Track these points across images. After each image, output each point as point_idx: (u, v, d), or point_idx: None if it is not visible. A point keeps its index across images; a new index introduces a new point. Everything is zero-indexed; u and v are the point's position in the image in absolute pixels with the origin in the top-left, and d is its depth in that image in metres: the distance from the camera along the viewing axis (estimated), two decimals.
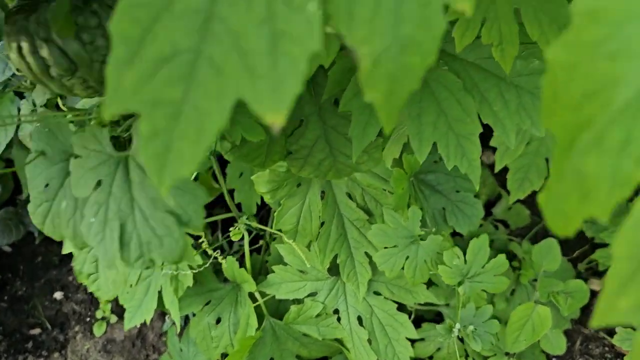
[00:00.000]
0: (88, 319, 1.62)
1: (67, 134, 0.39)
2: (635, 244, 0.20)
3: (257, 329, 0.98)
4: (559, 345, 1.27)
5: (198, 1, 0.23)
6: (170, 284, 1.01)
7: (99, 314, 1.58)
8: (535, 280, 1.18)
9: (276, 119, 0.24)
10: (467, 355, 1.25)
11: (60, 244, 1.81)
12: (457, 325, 0.87)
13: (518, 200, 1.59)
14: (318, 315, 0.96)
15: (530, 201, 1.56)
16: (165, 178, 0.25)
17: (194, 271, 0.97)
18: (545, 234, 1.41)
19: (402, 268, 0.82)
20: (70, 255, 1.79)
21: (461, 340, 1.14)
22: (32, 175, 0.41)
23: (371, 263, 0.91)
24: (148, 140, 0.24)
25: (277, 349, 1.01)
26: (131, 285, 1.13)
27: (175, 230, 0.36)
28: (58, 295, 1.70)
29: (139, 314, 1.13)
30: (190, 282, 0.99)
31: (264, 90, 0.24)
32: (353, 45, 0.25)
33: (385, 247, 0.81)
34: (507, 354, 1.18)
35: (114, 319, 1.57)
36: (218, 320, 1.10)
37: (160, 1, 0.23)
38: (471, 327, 0.86)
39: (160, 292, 1.07)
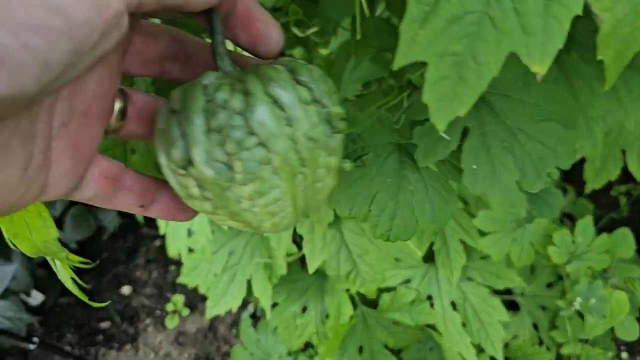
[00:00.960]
0: (158, 312, 1.67)
1: None
2: None
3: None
4: (633, 331, 1.28)
5: None
6: (265, 272, 1.04)
7: (169, 307, 1.62)
8: (606, 270, 1.20)
9: (541, 70, 0.28)
10: (541, 342, 1.27)
11: (126, 239, 1.87)
12: (578, 299, 0.91)
13: (582, 195, 1.61)
14: (411, 302, 0.98)
15: (594, 196, 1.57)
16: (444, 117, 0.29)
17: (288, 260, 1.00)
18: (610, 227, 1.42)
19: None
20: (136, 252, 1.85)
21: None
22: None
23: (465, 249, 0.93)
24: (433, 85, 0.29)
25: (366, 337, 1.04)
26: (215, 275, 1.16)
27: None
28: (126, 289, 1.75)
29: (222, 303, 1.17)
30: (284, 270, 1.02)
31: (535, 45, 0.28)
32: (598, 11, 0.29)
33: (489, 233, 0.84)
34: (580, 340, 1.19)
35: (185, 312, 1.61)
36: (303, 310, 1.13)
37: None
38: (593, 300, 0.90)
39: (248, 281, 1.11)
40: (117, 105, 0.31)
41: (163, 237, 1.86)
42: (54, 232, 0.38)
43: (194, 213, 0.35)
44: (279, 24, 0.31)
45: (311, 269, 0.71)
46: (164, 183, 0.34)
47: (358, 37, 0.65)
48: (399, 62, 0.28)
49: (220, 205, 0.29)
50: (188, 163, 0.28)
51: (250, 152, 0.27)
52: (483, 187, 0.41)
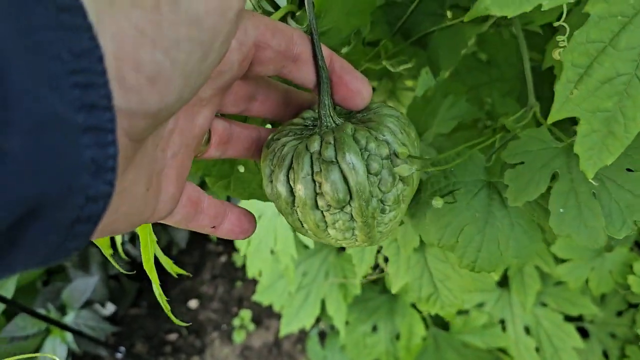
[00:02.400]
0: (224, 327, 1.73)
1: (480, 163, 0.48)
2: None
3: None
4: None
5: (636, 40, 0.31)
6: (339, 292, 1.09)
7: (236, 322, 1.68)
8: None
9: None
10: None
11: (193, 255, 1.95)
12: None
13: None
14: (484, 325, 1.00)
15: None
16: (594, 165, 0.34)
17: (363, 281, 1.04)
18: None
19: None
20: (202, 267, 1.92)
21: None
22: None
23: (539, 275, 0.95)
24: (584, 137, 0.33)
25: (437, 358, 1.07)
26: (289, 293, 1.21)
27: None
28: (193, 303, 1.82)
29: (296, 321, 1.22)
30: (358, 290, 1.06)
31: None
32: None
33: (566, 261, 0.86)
34: None
35: (251, 327, 1.67)
36: (373, 329, 1.16)
37: (607, 39, 0.31)
38: None
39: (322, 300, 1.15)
40: (206, 134, 0.34)
41: (229, 254, 1.93)
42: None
43: (251, 232, 0.38)
44: (368, 81, 0.35)
45: (394, 289, 0.75)
46: (229, 205, 0.37)
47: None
48: (553, 117, 0.32)
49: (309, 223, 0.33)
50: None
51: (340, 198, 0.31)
52: (569, 230, 0.43)
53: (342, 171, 0.31)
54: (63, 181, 0.17)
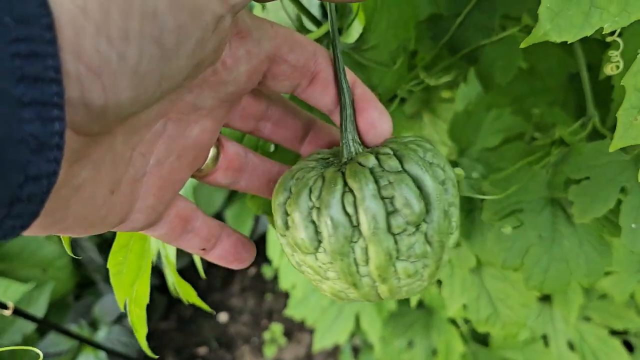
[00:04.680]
0: (255, 340, 1.72)
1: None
2: None
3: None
4: None
5: None
6: (374, 306, 1.07)
7: (267, 336, 1.67)
8: None
9: None
10: None
11: (221, 267, 1.94)
12: None
13: None
14: (525, 341, 0.97)
15: None
16: None
17: None
18: None
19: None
20: (231, 279, 1.92)
21: None
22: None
23: (582, 288, 0.92)
24: None
25: None
26: (322, 308, 1.20)
27: None
28: (223, 316, 1.82)
29: (329, 335, 1.20)
30: (393, 305, 1.04)
31: None
32: None
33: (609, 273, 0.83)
34: None
35: (282, 340, 1.65)
36: (409, 344, 1.14)
37: None
38: None
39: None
40: (212, 152, 0.31)
41: (258, 266, 1.92)
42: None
43: (248, 262, 0.35)
44: (389, 115, 0.31)
45: (450, 312, 0.73)
46: (226, 229, 0.34)
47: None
48: (616, 144, 0.30)
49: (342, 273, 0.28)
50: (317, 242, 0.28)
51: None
52: None
53: (414, 179, 0.26)
54: None
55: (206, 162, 0.31)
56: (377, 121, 0.31)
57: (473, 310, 0.68)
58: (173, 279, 0.44)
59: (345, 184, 0.27)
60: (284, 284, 1.07)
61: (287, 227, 0.29)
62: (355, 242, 0.27)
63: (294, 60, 0.28)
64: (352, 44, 0.37)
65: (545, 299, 0.96)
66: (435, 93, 0.82)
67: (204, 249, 0.32)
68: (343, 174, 0.28)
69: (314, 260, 0.28)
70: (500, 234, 0.49)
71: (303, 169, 0.30)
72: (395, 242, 0.27)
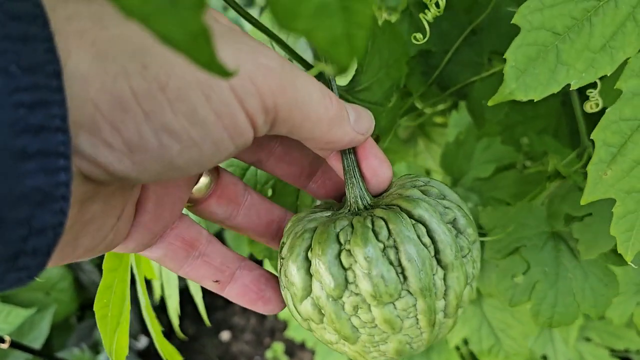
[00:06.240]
0: (257, 358, 1.72)
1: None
2: None
3: None
4: None
5: None
6: None
7: (269, 354, 1.67)
8: None
9: None
10: None
11: None
12: None
13: None
14: None
15: None
16: (632, 248, 0.32)
17: None
18: None
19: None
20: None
21: None
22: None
23: None
24: (620, 219, 0.31)
25: None
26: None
27: None
28: (225, 335, 1.81)
29: (330, 357, 1.20)
30: None
31: None
32: None
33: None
34: None
35: (284, 359, 1.65)
36: None
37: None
38: None
39: None
40: (206, 178, 0.31)
41: None
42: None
43: (279, 308, 0.32)
44: (389, 163, 0.31)
45: (451, 343, 0.73)
46: (247, 262, 0.32)
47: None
48: (586, 199, 0.31)
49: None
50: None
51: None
52: None
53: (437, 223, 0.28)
54: None
55: (198, 185, 0.30)
56: (378, 169, 0.31)
57: (475, 341, 0.68)
58: (155, 340, 0.43)
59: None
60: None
61: (346, 281, 0.28)
62: (396, 299, 0.27)
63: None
64: (345, 86, 0.38)
65: None
66: (428, 118, 0.83)
67: (216, 281, 0.31)
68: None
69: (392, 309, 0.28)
70: (505, 272, 0.48)
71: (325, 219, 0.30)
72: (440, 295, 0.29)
